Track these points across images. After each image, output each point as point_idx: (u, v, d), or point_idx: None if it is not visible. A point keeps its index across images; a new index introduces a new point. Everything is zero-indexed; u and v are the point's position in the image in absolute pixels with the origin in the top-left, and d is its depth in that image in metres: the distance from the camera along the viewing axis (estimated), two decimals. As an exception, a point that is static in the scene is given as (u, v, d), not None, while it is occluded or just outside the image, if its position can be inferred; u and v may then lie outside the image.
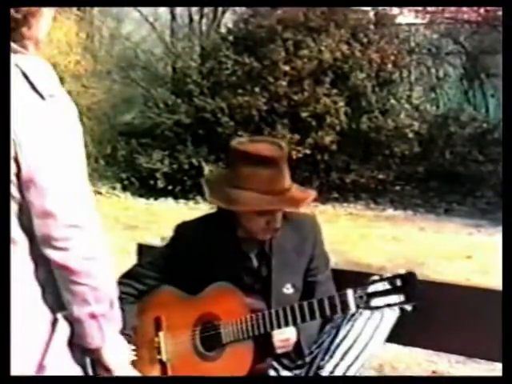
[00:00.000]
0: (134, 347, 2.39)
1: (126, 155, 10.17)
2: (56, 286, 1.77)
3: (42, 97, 1.70)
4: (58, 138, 1.73)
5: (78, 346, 1.83)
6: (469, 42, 11.34)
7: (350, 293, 2.42)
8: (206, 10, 11.62)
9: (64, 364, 1.83)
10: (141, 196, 9.85)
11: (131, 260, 3.29)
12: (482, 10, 10.42)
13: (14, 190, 1.71)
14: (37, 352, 1.77)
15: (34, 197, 1.70)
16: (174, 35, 11.72)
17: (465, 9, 10.46)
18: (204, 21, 11.77)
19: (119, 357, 1.91)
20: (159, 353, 2.64)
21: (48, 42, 9.98)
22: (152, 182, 9.81)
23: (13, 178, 1.70)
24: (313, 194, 2.75)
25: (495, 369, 3.94)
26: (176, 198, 9.71)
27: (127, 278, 2.72)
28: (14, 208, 1.73)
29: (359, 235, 7.71)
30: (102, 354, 1.86)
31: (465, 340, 2.64)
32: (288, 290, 2.66)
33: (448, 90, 11.51)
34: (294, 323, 2.51)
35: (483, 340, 2.58)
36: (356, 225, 8.45)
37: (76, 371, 1.86)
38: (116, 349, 1.89)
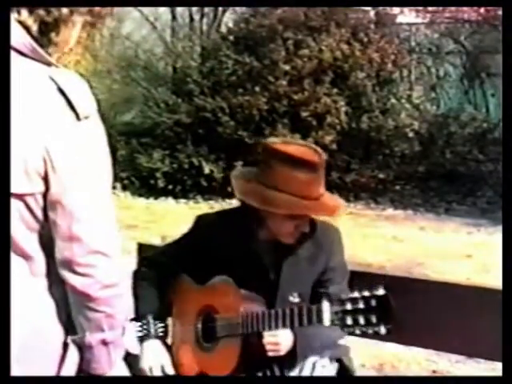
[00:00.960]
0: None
1: (126, 155, 10.16)
2: (69, 307, 1.73)
3: (77, 117, 1.64)
4: (90, 162, 1.68)
5: (83, 372, 1.79)
6: (469, 42, 11.34)
7: (325, 306, 2.38)
8: (207, 9, 11.62)
9: None
10: (141, 195, 9.86)
11: (131, 259, 3.29)
12: (482, 10, 10.43)
13: (36, 209, 1.66)
14: (50, 372, 1.74)
15: (60, 219, 1.65)
16: (174, 35, 11.71)
17: (465, 8, 10.47)
18: (204, 20, 11.76)
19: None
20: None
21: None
22: (152, 182, 9.81)
23: (38, 197, 1.64)
24: (343, 203, 2.70)
25: (495, 368, 3.94)
26: (176, 197, 9.72)
27: (146, 266, 2.79)
28: (34, 226, 1.68)
29: (359, 235, 7.70)
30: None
31: (465, 339, 2.64)
32: (294, 298, 2.62)
33: (448, 90, 11.52)
34: (276, 327, 2.48)
35: (483, 339, 2.58)
36: (356, 224, 8.44)
37: None
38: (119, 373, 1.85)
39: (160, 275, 2.72)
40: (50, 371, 1.74)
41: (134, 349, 2.91)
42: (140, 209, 9.13)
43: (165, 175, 9.76)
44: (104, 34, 11.67)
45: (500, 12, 10.15)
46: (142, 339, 2.63)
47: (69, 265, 1.67)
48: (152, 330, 2.64)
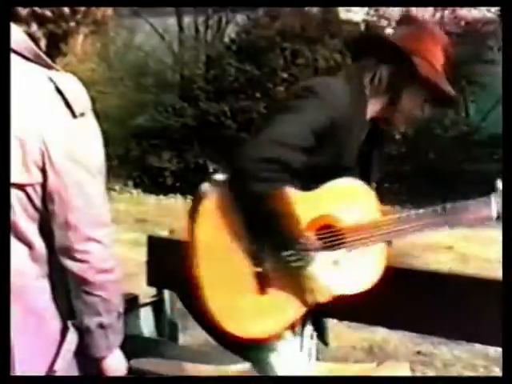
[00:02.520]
0: None
1: (137, 155, 10.18)
2: (68, 293, 1.74)
3: (73, 114, 1.65)
4: (85, 155, 1.68)
5: (82, 356, 1.79)
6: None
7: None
8: (211, 21, 11.63)
9: (72, 371, 1.79)
10: (151, 192, 9.87)
11: (142, 250, 3.31)
12: (462, 23, 10.45)
13: (36, 199, 1.66)
14: (48, 356, 1.74)
15: (57, 208, 1.66)
16: (181, 45, 11.71)
17: (447, 21, 10.49)
18: (209, 32, 11.76)
19: (118, 368, 1.85)
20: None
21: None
22: (161, 180, 9.82)
23: (37, 187, 1.65)
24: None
25: (472, 349, 3.96)
26: (183, 193, 9.72)
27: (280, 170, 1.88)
28: (34, 215, 1.68)
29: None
30: (103, 365, 1.81)
31: (448, 323, 2.65)
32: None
33: (432, 96, 11.52)
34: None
35: (465, 322, 2.59)
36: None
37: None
38: (117, 361, 1.83)
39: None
40: (48, 353, 1.74)
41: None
42: (150, 204, 9.15)
43: (173, 174, 9.77)
44: (117, 44, 11.68)
45: (479, 25, 10.18)
46: (301, 268, 1.98)
47: (66, 251, 1.68)
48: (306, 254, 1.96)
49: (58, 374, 1.74)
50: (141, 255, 3.32)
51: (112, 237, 1.75)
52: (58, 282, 1.74)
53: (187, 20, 11.69)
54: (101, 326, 1.74)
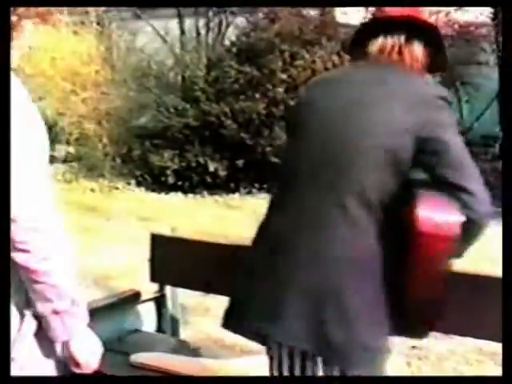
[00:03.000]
0: None
1: (140, 154, 10.17)
2: (22, 284, 1.75)
3: None
4: (19, 148, 1.68)
5: (49, 341, 1.79)
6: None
7: None
8: (212, 24, 11.62)
9: (33, 357, 1.80)
10: (153, 191, 9.87)
11: (145, 247, 3.31)
12: (456, 26, 10.45)
13: None
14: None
15: None
16: (183, 47, 11.71)
17: (441, 25, 10.49)
18: (210, 35, 11.76)
19: (87, 350, 1.84)
20: None
21: (72, 54, 9.98)
22: (163, 178, 9.81)
23: None
24: None
25: (466, 343, 3.96)
26: (185, 192, 9.73)
27: None
28: None
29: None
30: (69, 348, 1.80)
31: (447, 320, 2.65)
32: None
33: (427, 97, 11.53)
34: None
35: (464, 320, 2.59)
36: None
37: (46, 363, 1.83)
38: (83, 343, 1.82)
39: None
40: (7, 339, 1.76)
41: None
42: (152, 202, 9.14)
43: (174, 172, 9.76)
44: (121, 46, 11.67)
45: (472, 28, 10.18)
46: None
47: (11, 244, 1.69)
48: None
49: (17, 361, 1.75)
50: (144, 252, 3.32)
51: (57, 224, 1.75)
52: (13, 274, 1.74)
53: (188, 23, 11.69)
54: (55, 311, 1.75)
